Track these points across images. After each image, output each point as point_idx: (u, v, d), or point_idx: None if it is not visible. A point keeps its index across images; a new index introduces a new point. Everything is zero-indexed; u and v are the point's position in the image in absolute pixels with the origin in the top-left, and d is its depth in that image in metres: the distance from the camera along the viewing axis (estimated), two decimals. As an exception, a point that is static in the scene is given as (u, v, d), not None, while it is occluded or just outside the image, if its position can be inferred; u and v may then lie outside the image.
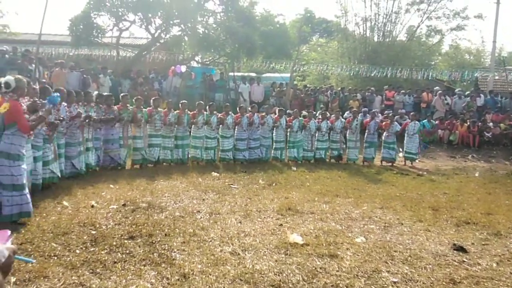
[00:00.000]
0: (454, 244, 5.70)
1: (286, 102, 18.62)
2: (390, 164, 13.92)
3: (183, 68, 18.84)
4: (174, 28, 19.61)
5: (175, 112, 11.55)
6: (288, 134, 13.27)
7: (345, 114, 15.50)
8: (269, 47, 22.27)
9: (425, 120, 17.86)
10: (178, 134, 11.60)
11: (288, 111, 14.59)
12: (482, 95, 20.77)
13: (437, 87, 21.36)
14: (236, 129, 12.54)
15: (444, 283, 4.51)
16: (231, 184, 9.22)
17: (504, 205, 8.70)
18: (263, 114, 13.09)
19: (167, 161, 11.40)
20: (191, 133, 11.91)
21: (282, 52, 23.42)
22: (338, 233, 6.02)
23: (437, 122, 17.94)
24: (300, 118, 13.43)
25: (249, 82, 19.49)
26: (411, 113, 15.43)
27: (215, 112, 12.27)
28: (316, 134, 13.52)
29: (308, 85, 23.70)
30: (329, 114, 14.22)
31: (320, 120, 13.62)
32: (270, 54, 23.25)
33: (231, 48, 19.37)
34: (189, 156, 11.88)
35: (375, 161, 14.05)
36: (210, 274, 4.37)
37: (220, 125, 12.31)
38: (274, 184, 9.51)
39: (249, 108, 13.44)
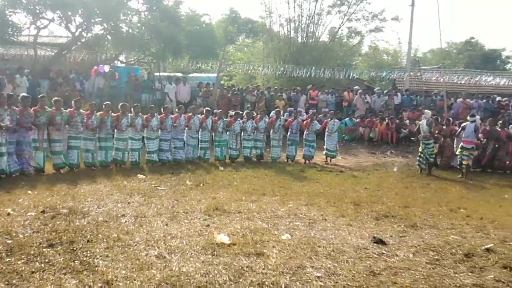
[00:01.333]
0: (374, 237, 5.96)
1: (213, 102, 18.58)
2: (309, 161, 14.33)
3: (107, 68, 18.30)
4: (96, 27, 18.88)
5: (98, 114, 11.16)
6: (213, 134, 13.29)
7: (271, 114, 15.75)
8: (195, 47, 22.13)
9: (347, 119, 18.60)
10: (101, 135, 11.19)
11: (215, 111, 14.57)
12: (399, 93, 22.00)
13: (357, 87, 22.28)
14: (160, 130, 12.34)
15: (364, 275, 4.70)
16: (158, 186, 9.06)
17: (420, 198, 9.28)
18: (190, 114, 12.98)
19: (90, 164, 11.00)
20: (115, 135, 11.51)
21: (209, 52, 23.33)
22: (265, 231, 6.11)
23: (358, 120, 18.72)
24: (225, 119, 13.50)
25: (175, 82, 19.30)
26: (330, 111, 15.97)
27: (140, 114, 12.00)
28: (242, 134, 13.64)
29: (234, 85, 23.79)
30: (255, 114, 14.41)
31: (245, 120, 13.75)
32: (196, 54, 23.14)
33: (156, 48, 19.03)
34: (112, 158, 11.49)
35: (297, 158, 14.38)
36: (135, 280, 4.28)
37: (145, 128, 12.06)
38: (201, 185, 9.46)
39: (176, 110, 13.26)
